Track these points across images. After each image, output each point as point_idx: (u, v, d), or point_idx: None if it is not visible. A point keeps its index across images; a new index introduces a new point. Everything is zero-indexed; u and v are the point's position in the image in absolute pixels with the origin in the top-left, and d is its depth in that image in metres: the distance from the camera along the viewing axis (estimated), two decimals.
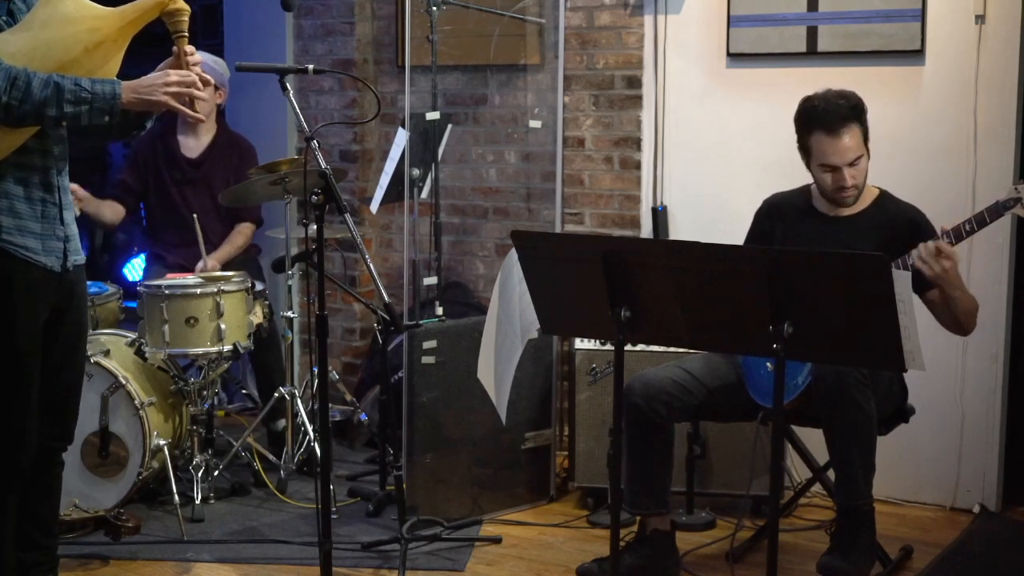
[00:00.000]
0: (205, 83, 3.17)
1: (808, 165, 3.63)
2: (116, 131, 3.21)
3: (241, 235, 5.01)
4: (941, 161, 4.22)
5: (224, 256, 4.87)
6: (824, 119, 3.52)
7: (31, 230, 3.06)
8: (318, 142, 3.20)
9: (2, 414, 3.08)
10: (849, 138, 3.52)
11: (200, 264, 4.64)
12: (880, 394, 3.50)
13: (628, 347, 3.16)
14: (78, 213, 4.43)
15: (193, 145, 5.00)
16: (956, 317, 3.53)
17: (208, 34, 6.45)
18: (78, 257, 3.23)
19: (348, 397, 4.97)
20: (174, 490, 4.09)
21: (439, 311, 4.26)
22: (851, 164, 3.54)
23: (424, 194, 4.43)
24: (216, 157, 5.00)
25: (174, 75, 3.09)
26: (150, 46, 3.66)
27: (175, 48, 3.15)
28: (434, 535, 3.98)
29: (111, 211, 4.91)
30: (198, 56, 3.19)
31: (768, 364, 3.47)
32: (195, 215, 4.59)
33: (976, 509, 4.27)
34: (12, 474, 3.13)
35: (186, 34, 3.15)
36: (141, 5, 3.09)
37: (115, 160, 7.62)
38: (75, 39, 3.00)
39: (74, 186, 3.80)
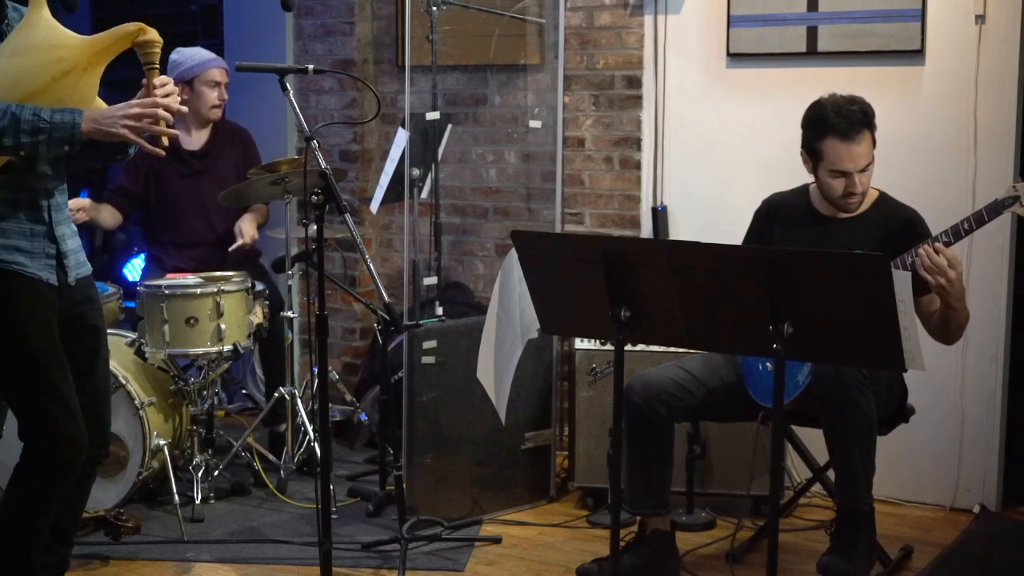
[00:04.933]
0: (175, 114, 3.04)
1: (814, 169, 3.60)
2: (98, 157, 3.17)
3: (257, 209, 4.98)
4: (941, 161, 4.21)
5: (255, 221, 4.87)
6: (839, 125, 3.50)
7: (20, 248, 3.05)
8: (318, 142, 3.20)
9: (37, 415, 3.06)
10: (863, 145, 3.52)
11: (236, 231, 4.72)
12: (880, 394, 3.50)
13: (628, 347, 3.15)
14: (79, 221, 4.44)
15: (194, 138, 4.99)
16: (949, 328, 3.49)
17: (208, 34, 6.45)
18: (81, 271, 3.21)
19: (348, 397, 4.97)
20: (174, 490, 4.09)
21: (439, 311, 4.26)
22: (862, 171, 3.54)
23: (424, 194, 4.42)
24: (220, 145, 4.99)
25: (136, 107, 2.98)
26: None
27: (144, 80, 3.04)
28: (434, 535, 3.98)
29: (110, 215, 4.89)
30: (171, 88, 3.06)
31: (768, 364, 3.47)
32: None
33: (976, 509, 4.26)
34: (52, 473, 3.08)
35: (157, 66, 3.03)
36: (111, 34, 3.02)
37: None
38: (43, 69, 2.96)
39: (73, 201, 3.76)
